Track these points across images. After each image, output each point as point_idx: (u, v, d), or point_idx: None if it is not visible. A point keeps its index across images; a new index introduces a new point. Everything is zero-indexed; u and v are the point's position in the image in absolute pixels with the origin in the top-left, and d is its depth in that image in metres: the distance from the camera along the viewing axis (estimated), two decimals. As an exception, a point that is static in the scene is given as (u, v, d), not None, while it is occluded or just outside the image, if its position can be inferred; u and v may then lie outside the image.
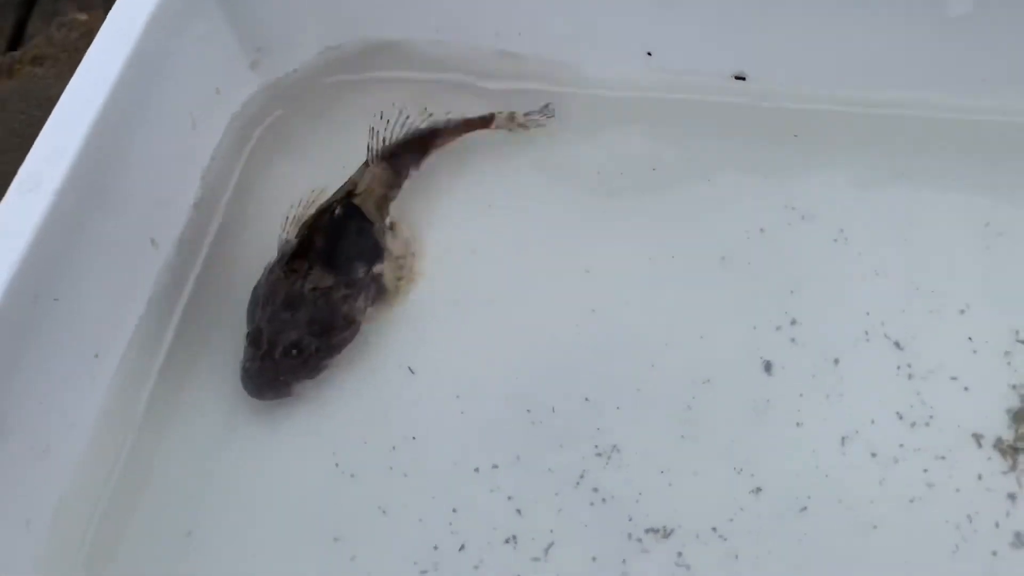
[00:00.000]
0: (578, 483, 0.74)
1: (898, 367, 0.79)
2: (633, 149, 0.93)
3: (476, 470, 0.74)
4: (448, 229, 0.88)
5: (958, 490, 0.73)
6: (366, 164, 0.86)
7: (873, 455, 0.74)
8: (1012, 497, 0.72)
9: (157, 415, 0.76)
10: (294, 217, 0.83)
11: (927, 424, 0.76)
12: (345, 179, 0.87)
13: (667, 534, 0.71)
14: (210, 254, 0.84)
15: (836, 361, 0.79)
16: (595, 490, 0.73)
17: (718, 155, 0.92)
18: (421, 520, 0.72)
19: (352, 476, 0.74)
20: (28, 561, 0.64)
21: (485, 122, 0.91)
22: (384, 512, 0.72)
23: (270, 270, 0.81)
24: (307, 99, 0.96)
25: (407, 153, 0.88)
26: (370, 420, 0.77)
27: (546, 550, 0.71)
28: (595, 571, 0.69)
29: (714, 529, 0.72)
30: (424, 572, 0.69)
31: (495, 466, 0.74)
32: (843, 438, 0.75)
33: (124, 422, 0.74)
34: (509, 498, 0.72)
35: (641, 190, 0.90)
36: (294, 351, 0.75)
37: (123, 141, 0.72)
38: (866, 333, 0.81)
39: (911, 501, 0.72)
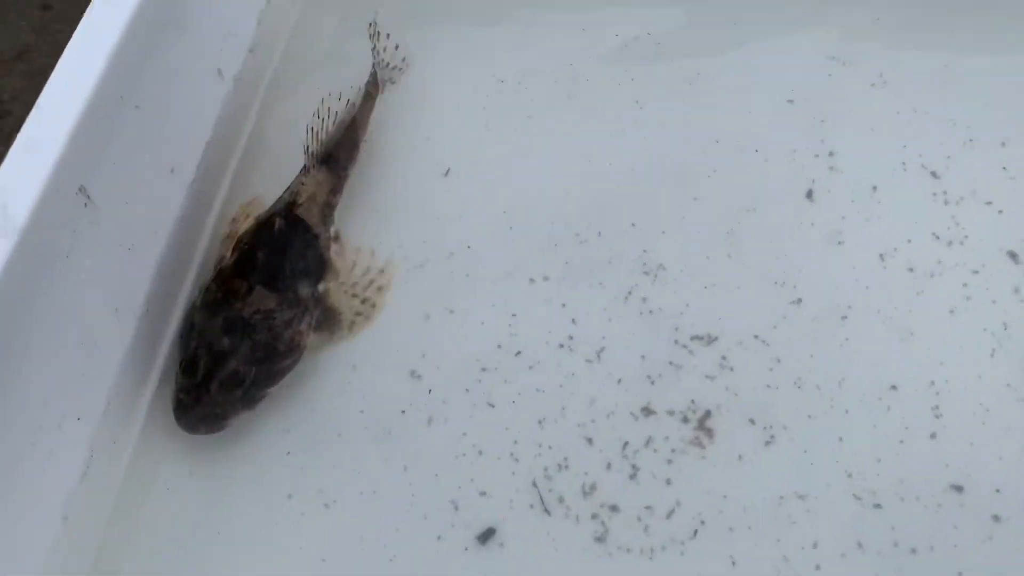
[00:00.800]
0: (627, 297, 0.77)
1: (934, 193, 0.82)
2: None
3: (531, 280, 0.78)
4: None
5: (994, 302, 0.76)
6: (305, 170, 0.78)
7: (911, 270, 0.78)
8: (1048, 307, 0.75)
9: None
10: (228, 234, 0.77)
11: (962, 243, 0.79)
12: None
13: (711, 341, 0.75)
14: (270, 88, 0.88)
15: (874, 188, 0.82)
16: (644, 300, 0.77)
17: (757, 7, 0.95)
18: (483, 323, 0.76)
19: (420, 266, 0.79)
20: (121, 350, 0.70)
21: (375, 90, 0.85)
22: (452, 312, 0.77)
23: (205, 289, 0.73)
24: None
25: (341, 151, 0.80)
26: (423, 227, 0.81)
27: (599, 354, 0.75)
28: (645, 370, 0.73)
29: (756, 336, 0.75)
30: (484, 369, 0.74)
31: (547, 278, 0.78)
32: (881, 255, 0.78)
33: (198, 228, 0.79)
34: (563, 305, 0.77)
35: (678, 47, 0.93)
36: (232, 383, 0.68)
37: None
38: (903, 164, 0.83)
39: (951, 312, 0.75)
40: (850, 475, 0.69)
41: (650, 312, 0.77)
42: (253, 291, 0.71)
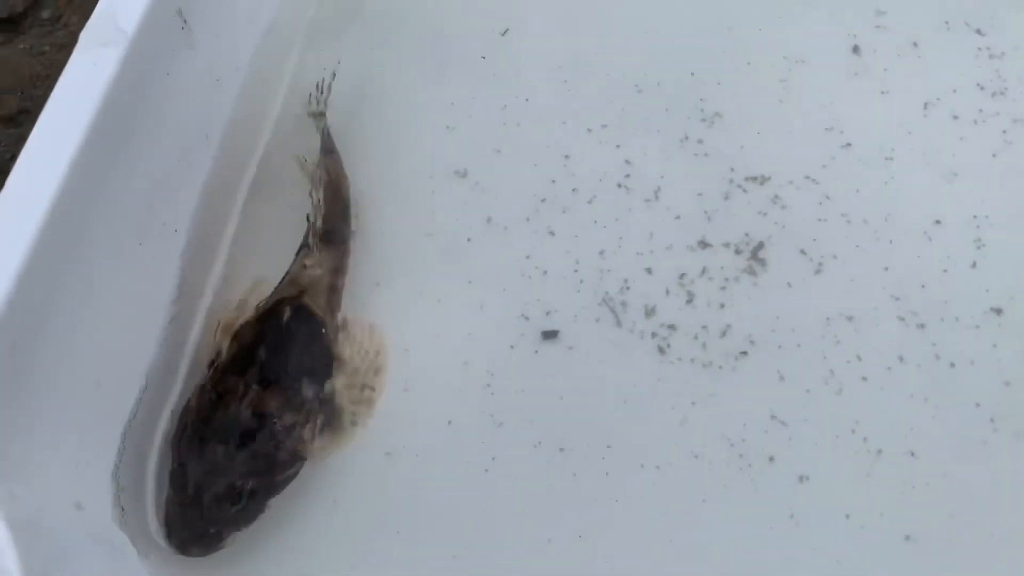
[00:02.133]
0: (682, 141, 0.81)
1: (979, 48, 0.85)
2: None
3: (588, 130, 0.82)
4: None
5: (1035, 148, 0.80)
6: (306, 247, 0.70)
7: (955, 117, 0.81)
8: (1086, 149, 0.79)
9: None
10: (223, 323, 0.68)
11: (1003, 94, 0.82)
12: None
13: (764, 181, 0.79)
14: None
15: (915, 44, 0.85)
16: (700, 142, 0.81)
17: None
18: (536, 165, 0.80)
19: (469, 118, 0.82)
20: (207, 171, 0.74)
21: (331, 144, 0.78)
22: (499, 151, 0.81)
23: (200, 389, 0.64)
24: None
25: (336, 221, 0.72)
26: (479, 82, 0.85)
27: (656, 192, 0.79)
28: (701, 207, 0.77)
29: (807, 177, 0.79)
30: (543, 201, 0.78)
31: (604, 125, 0.82)
32: (925, 104, 0.82)
33: (275, 75, 0.83)
34: (617, 147, 0.80)
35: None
36: (228, 499, 0.60)
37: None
38: (946, 23, 0.87)
39: (992, 155, 0.79)
40: (896, 299, 0.73)
41: (705, 155, 0.80)
42: (250, 392, 0.63)
